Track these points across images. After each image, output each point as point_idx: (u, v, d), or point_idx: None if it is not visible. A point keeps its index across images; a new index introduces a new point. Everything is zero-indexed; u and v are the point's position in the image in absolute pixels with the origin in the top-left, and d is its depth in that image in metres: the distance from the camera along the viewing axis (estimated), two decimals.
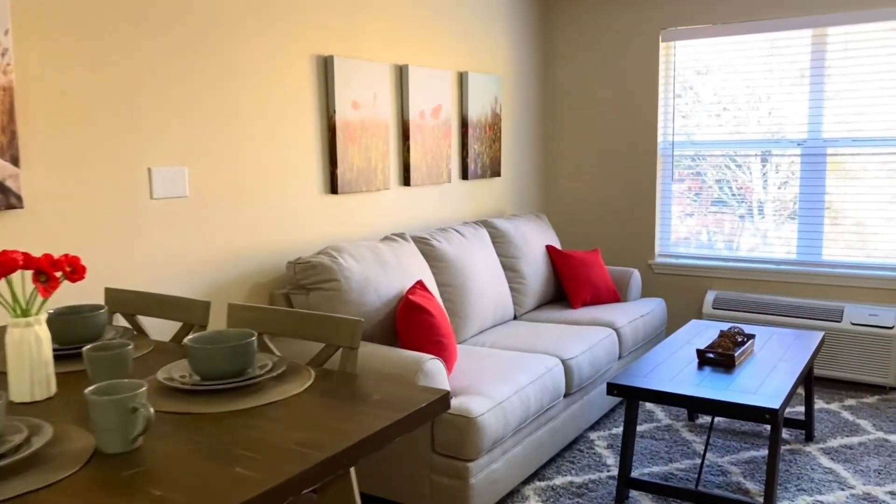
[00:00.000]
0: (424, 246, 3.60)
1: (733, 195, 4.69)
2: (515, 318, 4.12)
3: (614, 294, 4.34)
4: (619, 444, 3.47)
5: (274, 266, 3.18)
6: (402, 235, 3.50)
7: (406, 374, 2.67)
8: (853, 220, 4.36)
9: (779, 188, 4.55)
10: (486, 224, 4.17)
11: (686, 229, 4.86)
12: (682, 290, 4.82)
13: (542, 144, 5.15)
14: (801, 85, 4.43)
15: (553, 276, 4.37)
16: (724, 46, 4.61)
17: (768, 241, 4.60)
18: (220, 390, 1.58)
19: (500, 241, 4.14)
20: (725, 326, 3.66)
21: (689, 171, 4.81)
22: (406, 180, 3.85)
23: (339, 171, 3.40)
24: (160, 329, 2.71)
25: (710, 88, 4.67)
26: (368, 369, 2.75)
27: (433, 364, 2.70)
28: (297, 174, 3.23)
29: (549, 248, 4.41)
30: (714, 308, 4.51)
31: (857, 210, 4.34)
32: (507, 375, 2.97)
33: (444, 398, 1.56)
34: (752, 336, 3.32)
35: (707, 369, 3.00)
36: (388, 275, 3.15)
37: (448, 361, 2.93)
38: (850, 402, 3.97)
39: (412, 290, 3.09)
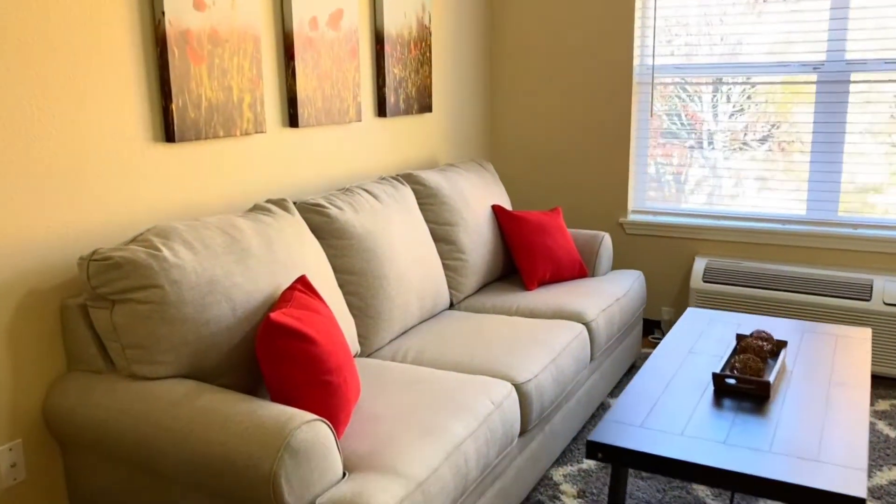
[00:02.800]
0: (317, 216, 2.48)
1: (682, 124, 3.67)
2: (452, 306, 3.06)
3: (580, 267, 3.32)
4: (594, 490, 2.50)
5: (65, 262, 2.03)
6: (281, 203, 2.37)
7: (262, 457, 1.59)
8: (879, 164, 3.39)
9: (728, 116, 3.55)
10: (410, 179, 3.06)
11: (667, 178, 3.84)
12: (663, 257, 3.83)
13: (487, 68, 4.00)
14: None
15: (502, 247, 3.31)
16: None
17: (766, 191, 3.62)
18: None
19: (429, 203, 3.04)
20: (737, 321, 2.68)
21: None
22: (292, 119, 2.69)
23: (176, 106, 2.22)
24: None
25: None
26: (202, 442, 1.67)
27: (309, 432, 1.63)
28: (101, 113, 2.05)
29: (497, 210, 3.34)
30: (705, 281, 3.54)
31: (884, 153, 3.38)
32: (433, 425, 1.93)
33: None
34: (782, 344, 2.35)
35: (729, 405, 2.02)
36: (249, 270, 2.04)
37: (341, 411, 1.86)
38: (884, 406, 3.08)
39: (285, 297, 1.99)
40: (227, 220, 2.13)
